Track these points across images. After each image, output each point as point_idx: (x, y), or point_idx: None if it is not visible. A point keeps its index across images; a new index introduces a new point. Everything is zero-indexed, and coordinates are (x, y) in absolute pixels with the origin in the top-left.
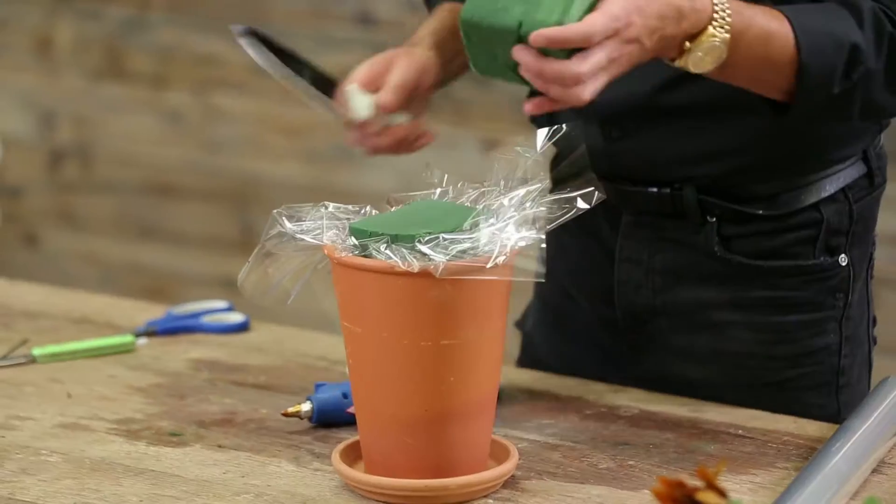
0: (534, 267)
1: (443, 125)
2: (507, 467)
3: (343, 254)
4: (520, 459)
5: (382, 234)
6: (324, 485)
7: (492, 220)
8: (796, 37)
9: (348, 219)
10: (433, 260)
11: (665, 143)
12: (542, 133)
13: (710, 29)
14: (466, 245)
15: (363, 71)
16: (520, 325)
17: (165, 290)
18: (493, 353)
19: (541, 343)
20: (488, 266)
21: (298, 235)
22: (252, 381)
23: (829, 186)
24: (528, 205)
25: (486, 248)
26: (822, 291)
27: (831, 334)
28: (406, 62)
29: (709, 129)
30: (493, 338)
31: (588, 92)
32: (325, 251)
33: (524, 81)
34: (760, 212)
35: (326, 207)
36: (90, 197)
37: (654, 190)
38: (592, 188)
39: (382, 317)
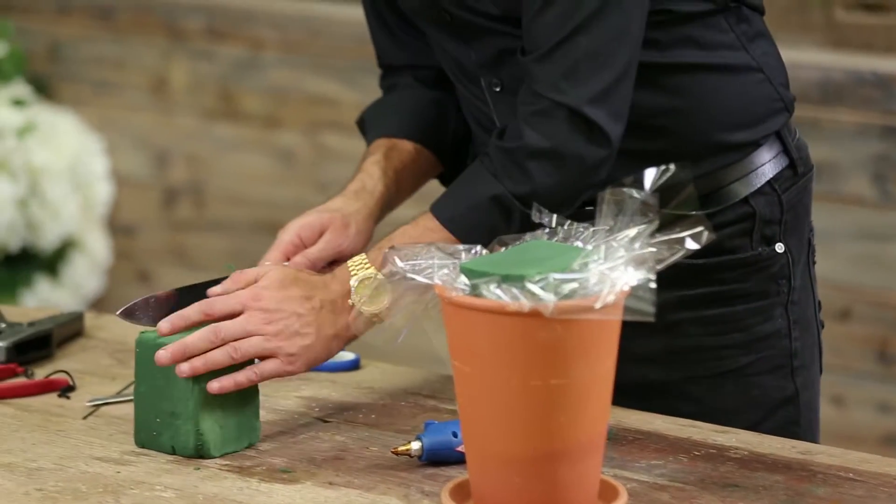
0: (644, 307)
1: None
2: None
3: (454, 293)
4: (629, 500)
5: (493, 274)
6: None
7: (601, 260)
8: (448, 229)
9: (459, 258)
10: (543, 300)
11: None
12: (651, 173)
13: (354, 278)
14: (576, 285)
15: (291, 235)
16: None
17: None
18: (602, 392)
19: None
20: (598, 306)
21: (410, 274)
22: (362, 420)
23: (756, 181)
24: (637, 244)
25: (596, 288)
26: (764, 280)
27: (779, 319)
28: (336, 237)
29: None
30: (602, 377)
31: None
32: (437, 290)
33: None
34: (693, 212)
35: (437, 247)
36: (202, 235)
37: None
38: (702, 228)
39: (493, 356)
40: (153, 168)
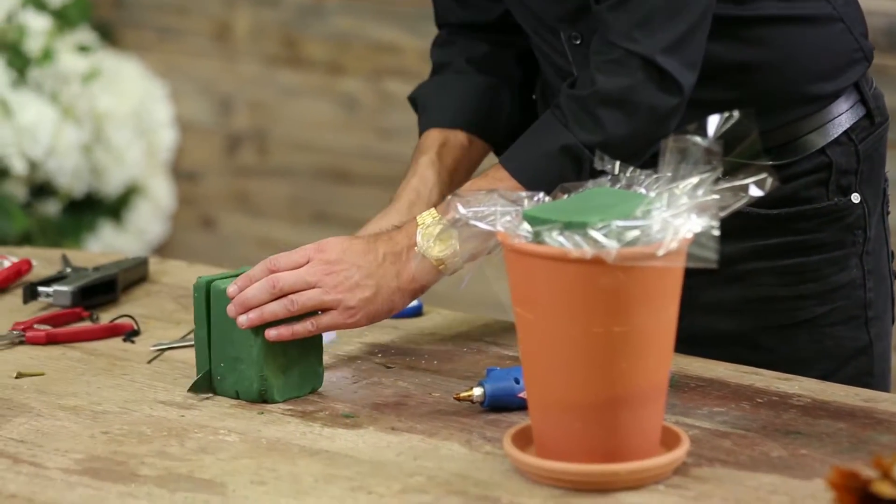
0: (707, 254)
1: None
2: (677, 454)
3: (516, 240)
4: (691, 447)
5: (555, 221)
6: (495, 468)
7: (664, 207)
8: (516, 179)
9: (522, 205)
10: (606, 247)
11: None
12: (715, 120)
13: (420, 228)
14: (639, 232)
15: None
16: None
17: None
18: (664, 340)
19: None
20: (661, 253)
21: (472, 221)
22: (425, 366)
23: (833, 131)
24: (700, 192)
25: (659, 235)
26: (840, 230)
27: (854, 269)
28: None
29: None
30: (665, 325)
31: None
32: (499, 237)
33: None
34: (770, 162)
35: (500, 193)
36: (265, 181)
37: None
38: (765, 174)
39: (555, 303)
40: (216, 114)
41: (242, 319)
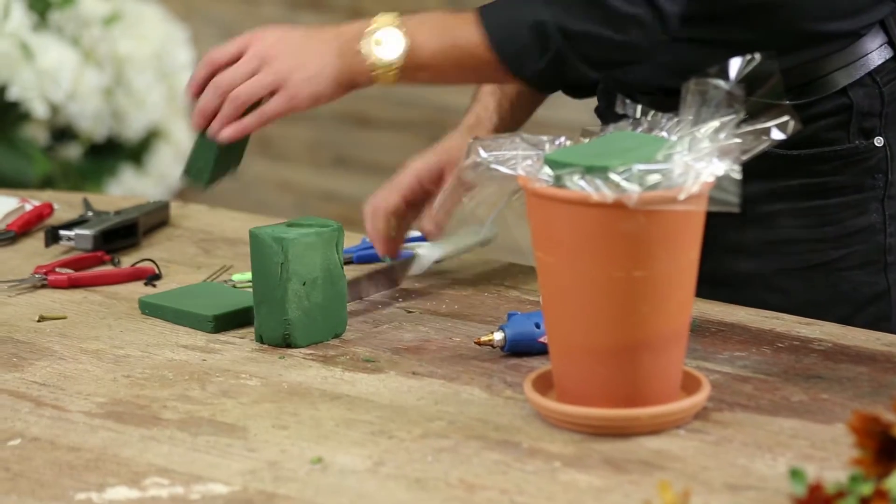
0: (728, 198)
1: None
2: (698, 399)
3: (537, 184)
4: (711, 391)
5: (576, 165)
6: (515, 413)
7: (686, 151)
8: (485, 30)
9: (543, 149)
10: (627, 190)
11: (678, 48)
12: (736, 63)
13: (374, 24)
14: (660, 176)
15: (410, 178)
16: None
17: (359, 218)
18: (685, 284)
19: None
20: (682, 197)
21: (494, 165)
22: (445, 310)
23: (856, 72)
24: (722, 135)
25: (680, 179)
26: (860, 173)
27: (874, 213)
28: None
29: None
30: (686, 269)
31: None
32: (520, 181)
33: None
34: (789, 101)
35: (522, 138)
36: (287, 125)
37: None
38: (788, 117)
39: (575, 247)
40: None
41: (209, 132)
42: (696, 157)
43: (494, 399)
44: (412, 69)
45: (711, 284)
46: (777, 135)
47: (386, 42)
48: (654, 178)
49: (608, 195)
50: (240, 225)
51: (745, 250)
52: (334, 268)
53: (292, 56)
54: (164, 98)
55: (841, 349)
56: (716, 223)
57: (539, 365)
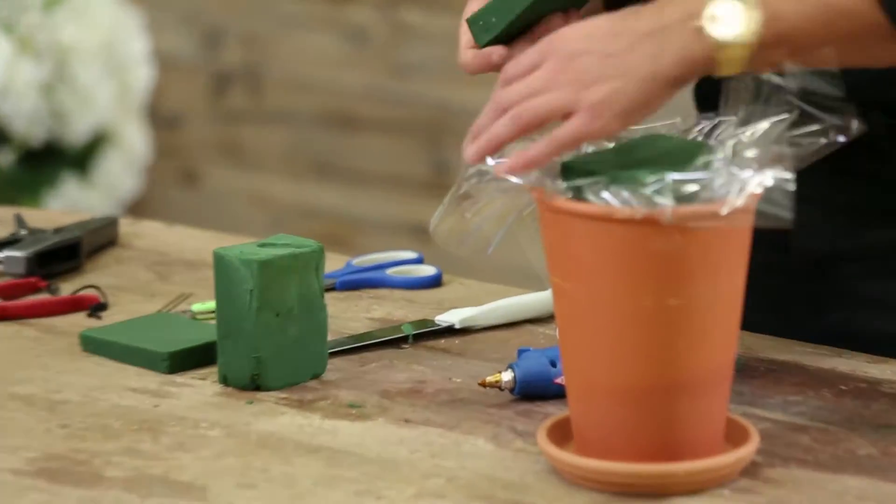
0: (779, 212)
1: None
2: (745, 452)
3: (554, 197)
4: (761, 443)
5: (600, 174)
6: (527, 468)
7: (729, 158)
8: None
9: (560, 155)
10: (659, 204)
11: None
12: None
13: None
14: (699, 187)
15: None
16: None
17: (345, 237)
18: (729, 315)
19: None
20: (725, 211)
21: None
22: (444, 346)
23: None
24: (772, 138)
25: (723, 191)
26: None
27: None
28: None
29: None
30: (729, 297)
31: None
32: (533, 194)
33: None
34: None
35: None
36: (260, 128)
37: None
38: (850, 118)
39: (598, 271)
40: (202, 49)
41: (470, 151)
42: (742, 165)
43: (502, 452)
44: (770, 45)
45: (840, 343)
46: (838, 137)
47: (725, 17)
48: (691, 190)
49: (637, 209)
50: (202, 245)
51: (888, 306)
52: (313, 296)
53: (593, 65)
54: (114, 96)
55: None
56: (852, 273)
57: (555, 411)
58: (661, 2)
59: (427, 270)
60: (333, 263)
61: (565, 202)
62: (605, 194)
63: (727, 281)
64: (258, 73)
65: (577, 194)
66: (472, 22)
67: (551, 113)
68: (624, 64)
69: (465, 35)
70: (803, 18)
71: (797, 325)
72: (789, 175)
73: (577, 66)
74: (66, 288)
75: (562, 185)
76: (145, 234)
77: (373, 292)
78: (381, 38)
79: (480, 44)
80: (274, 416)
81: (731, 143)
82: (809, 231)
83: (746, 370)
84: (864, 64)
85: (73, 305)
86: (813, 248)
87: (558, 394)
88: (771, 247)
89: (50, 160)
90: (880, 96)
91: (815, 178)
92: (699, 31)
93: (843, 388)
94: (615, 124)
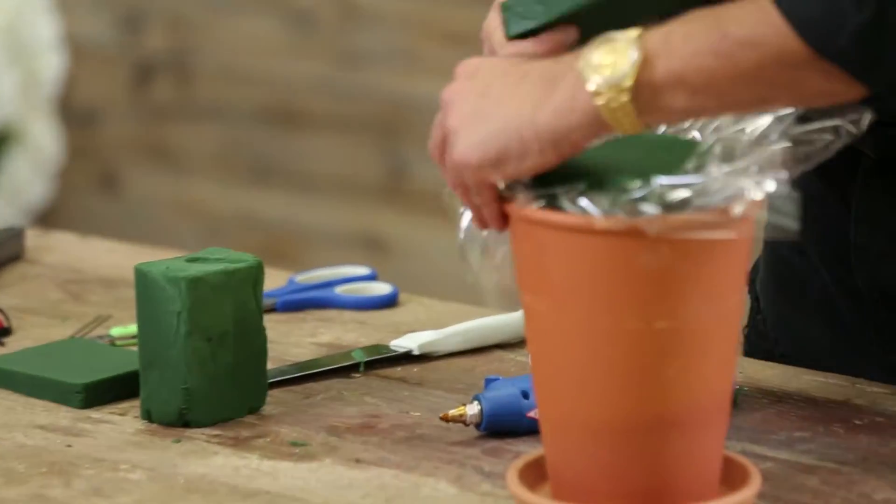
0: (785, 222)
1: None
2: (744, 496)
3: (525, 205)
4: (763, 485)
5: (577, 179)
6: None
7: (724, 159)
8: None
9: None
10: (645, 213)
11: None
12: None
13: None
14: (690, 192)
15: None
16: (749, 275)
17: (287, 250)
18: (726, 339)
19: (766, 307)
20: (721, 221)
21: None
22: (400, 375)
23: None
24: (773, 137)
25: (718, 197)
26: None
27: None
28: None
29: None
30: (726, 319)
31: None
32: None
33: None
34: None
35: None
36: (189, 125)
37: None
38: (862, 110)
39: (576, 289)
40: (121, 34)
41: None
42: (741, 168)
43: (467, 495)
44: (662, 87)
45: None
46: (846, 135)
47: (601, 61)
48: (681, 196)
49: (620, 219)
50: (122, 260)
51: None
52: (251, 318)
53: (474, 99)
54: (18, 87)
55: None
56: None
57: (527, 449)
58: (566, 56)
59: (381, 288)
60: (274, 280)
61: (538, 211)
62: (584, 202)
63: (724, 300)
64: (186, 63)
65: (552, 202)
66: (509, 7)
67: (442, 141)
68: (504, 102)
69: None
70: (694, 52)
71: (868, 357)
72: (793, 178)
73: (463, 94)
74: None
75: (534, 192)
76: (56, 247)
77: (319, 314)
78: (329, 22)
79: (510, 34)
80: (205, 457)
81: (727, 141)
82: (874, 257)
83: (747, 402)
84: (793, 102)
85: None
86: (879, 276)
87: (531, 429)
88: (839, 264)
89: None
90: None
91: (881, 198)
92: (578, 77)
93: (857, 422)
94: (484, 166)
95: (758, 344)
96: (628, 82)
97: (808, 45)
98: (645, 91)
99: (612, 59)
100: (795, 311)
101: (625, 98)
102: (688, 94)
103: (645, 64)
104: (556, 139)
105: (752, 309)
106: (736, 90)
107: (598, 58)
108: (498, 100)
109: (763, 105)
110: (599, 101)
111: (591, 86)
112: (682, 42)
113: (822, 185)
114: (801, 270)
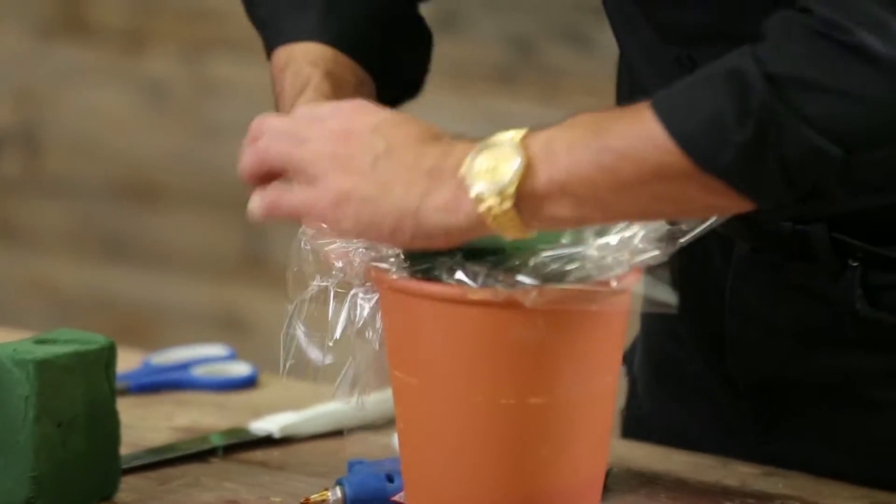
0: (662, 295)
1: (528, 102)
2: None
3: (394, 275)
4: None
5: (453, 250)
6: None
7: (602, 231)
8: (656, 107)
9: None
10: (521, 283)
11: None
12: None
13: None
14: (568, 264)
15: None
16: (626, 359)
17: (142, 330)
18: (599, 418)
19: (643, 394)
20: (598, 293)
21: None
22: (261, 459)
23: None
24: None
25: (595, 270)
26: None
27: None
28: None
29: None
30: (601, 397)
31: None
32: (370, 273)
33: None
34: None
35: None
36: (37, 200)
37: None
38: None
39: (450, 362)
40: None
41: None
42: (619, 239)
43: None
44: (547, 196)
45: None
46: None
47: (483, 167)
48: (558, 267)
49: (497, 290)
50: None
51: (839, 442)
52: (103, 402)
53: (370, 158)
54: None
55: None
56: (801, 400)
57: None
58: (465, 140)
59: (240, 369)
60: (128, 362)
61: (408, 282)
62: (459, 273)
63: (599, 377)
64: (33, 135)
65: (425, 273)
66: None
67: (286, 165)
68: (402, 178)
69: None
70: (575, 163)
71: (745, 448)
72: (671, 250)
73: (356, 139)
74: None
75: (408, 263)
76: None
77: (176, 396)
78: (184, 93)
79: None
80: None
81: None
82: (747, 350)
83: (617, 482)
84: (681, 215)
85: None
86: (754, 371)
87: None
88: (714, 353)
89: None
90: (822, 210)
91: (755, 290)
92: (462, 182)
93: None
94: (350, 232)
95: (634, 429)
96: (511, 189)
97: (691, 160)
98: (528, 200)
99: (494, 164)
100: (672, 399)
101: (507, 205)
102: (572, 204)
103: (528, 172)
104: (433, 233)
105: (629, 393)
106: (621, 202)
107: (481, 163)
108: (386, 178)
109: (650, 217)
110: (482, 209)
111: (474, 192)
112: (564, 151)
113: (699, 273)
114: (678, 359)
